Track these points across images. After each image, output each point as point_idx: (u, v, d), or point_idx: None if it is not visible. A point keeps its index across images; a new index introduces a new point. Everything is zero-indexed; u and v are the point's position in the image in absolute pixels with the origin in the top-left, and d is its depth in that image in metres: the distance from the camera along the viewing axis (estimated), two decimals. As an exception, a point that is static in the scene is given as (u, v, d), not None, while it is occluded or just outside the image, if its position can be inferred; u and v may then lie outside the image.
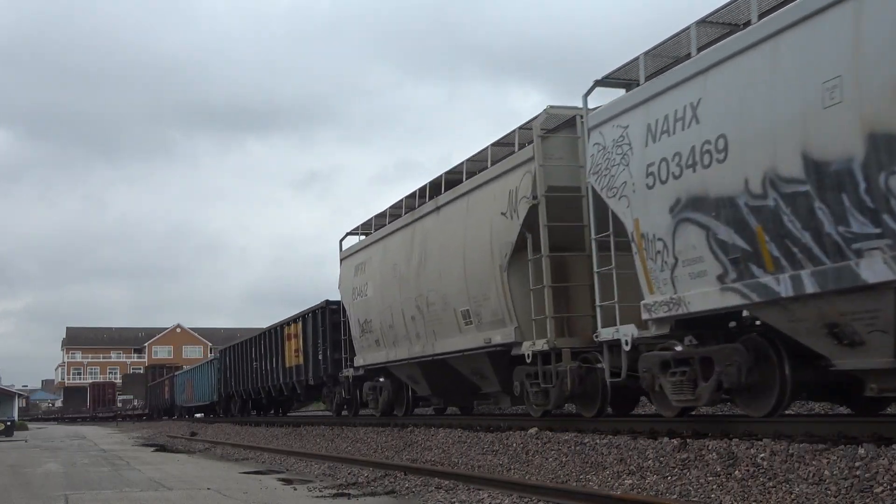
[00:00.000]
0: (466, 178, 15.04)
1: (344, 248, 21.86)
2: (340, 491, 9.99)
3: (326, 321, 23.49)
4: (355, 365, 20.78)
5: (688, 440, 8.95)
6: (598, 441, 10.15)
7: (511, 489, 8.54)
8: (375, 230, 19.56)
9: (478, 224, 14.24)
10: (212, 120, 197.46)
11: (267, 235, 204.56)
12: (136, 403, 67.64)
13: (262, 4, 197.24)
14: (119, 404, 73.22)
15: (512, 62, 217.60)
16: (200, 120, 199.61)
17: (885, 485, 6.38)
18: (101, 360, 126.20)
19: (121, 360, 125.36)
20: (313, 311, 24.67)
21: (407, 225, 17.46)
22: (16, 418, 45.86)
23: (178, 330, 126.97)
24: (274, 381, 29.02)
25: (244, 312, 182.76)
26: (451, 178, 15.90)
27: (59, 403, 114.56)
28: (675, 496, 7.54)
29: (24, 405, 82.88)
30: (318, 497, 9.62)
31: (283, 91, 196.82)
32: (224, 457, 18.27)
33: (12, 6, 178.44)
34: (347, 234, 21.73)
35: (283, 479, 11.87)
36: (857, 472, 6.68)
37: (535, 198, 12.52)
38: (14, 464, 17.08)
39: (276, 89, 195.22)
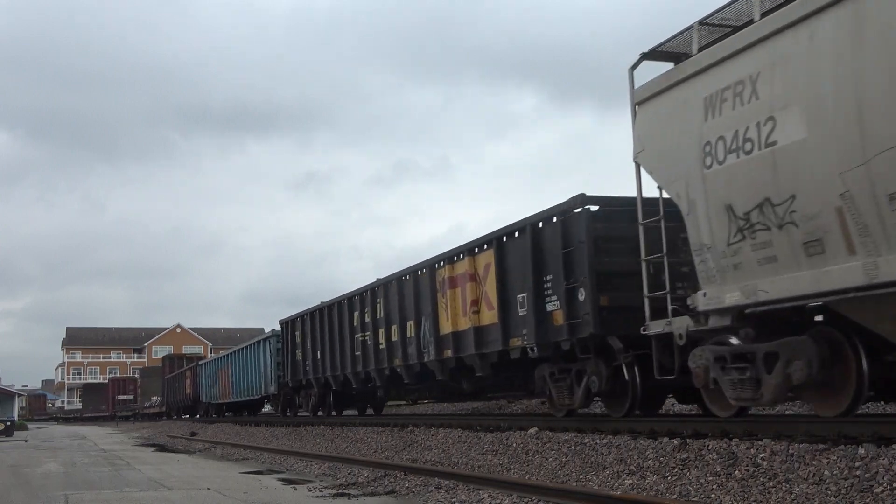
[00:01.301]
0: None
1: (640, 84, 10.73)
2: (340, 491, 10.00)
3: (578, 237, 12.10)
4: (708, 307, 9.56)
5: (688, 440, 8.96)
6: (598, 441, 10.15)
7: (511, 489, 8.55)
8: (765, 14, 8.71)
9: None
10: (211, 121, 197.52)
11: (266, 236, 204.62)
12: (154, 400, 64.81)
13: (261, 6, 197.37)
14: (136, 402, 70.70)
15: (510, 64, 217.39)
16: (200, 121, 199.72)
17: (885, 485, 6.39)
18: (101, 360, 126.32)
19: (121, 360, 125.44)
20: (538, 224, 13.07)
21: None
22: (15, 418, 45.96)
23: (178, 330, 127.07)
24: (407, 358, 17.90)
25: (243, 312, 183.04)
26: None
27: (58, 403, 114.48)
28: (675, 496, 7.54)
29: (25, 405, 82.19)
30: (318, 497, 9.63)
31: (281, 92, 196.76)
32: (224, 457, 18.28)
33: (12, 8, 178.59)
34: (644, 55, 10.76)
35: (283, 479, 11.88)
36: (857, 472, 6.69)
37: None
38: (14, 464, 17.09)
39: (275, 91, 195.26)
